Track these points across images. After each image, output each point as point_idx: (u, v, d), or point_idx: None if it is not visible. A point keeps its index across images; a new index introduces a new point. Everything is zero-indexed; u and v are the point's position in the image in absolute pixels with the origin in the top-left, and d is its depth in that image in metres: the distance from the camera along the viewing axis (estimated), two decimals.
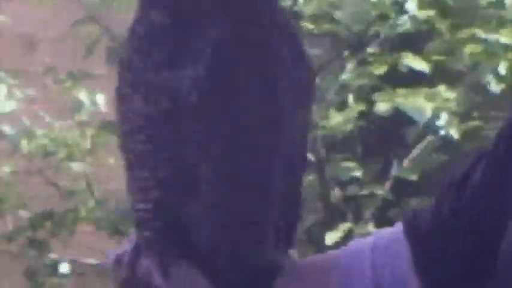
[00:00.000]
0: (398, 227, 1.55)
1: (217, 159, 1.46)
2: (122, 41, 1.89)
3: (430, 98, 4.11)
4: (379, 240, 1.58)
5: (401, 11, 4.15)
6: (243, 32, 1.48)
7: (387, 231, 1.60)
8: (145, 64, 1.48)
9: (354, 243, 1.61)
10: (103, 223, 4.57)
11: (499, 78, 4.13)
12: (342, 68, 4.33)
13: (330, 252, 1.67)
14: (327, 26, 4.27)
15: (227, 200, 1.47)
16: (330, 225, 4.22)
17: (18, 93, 4.71)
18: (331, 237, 4.05)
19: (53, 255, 4.64)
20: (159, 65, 1.48)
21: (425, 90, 4.10)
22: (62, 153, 4.64)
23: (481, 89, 4.21)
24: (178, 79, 1.45)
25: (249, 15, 1.50)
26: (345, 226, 4.13)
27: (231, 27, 1.47)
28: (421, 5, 4.17)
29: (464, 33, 4.16)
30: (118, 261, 1.53)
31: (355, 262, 1.56)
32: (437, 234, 1.52)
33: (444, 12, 4.22)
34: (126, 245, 1.56)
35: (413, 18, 4.15)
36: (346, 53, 4.38)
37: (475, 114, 4.27)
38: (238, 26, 1.48)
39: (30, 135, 4.62)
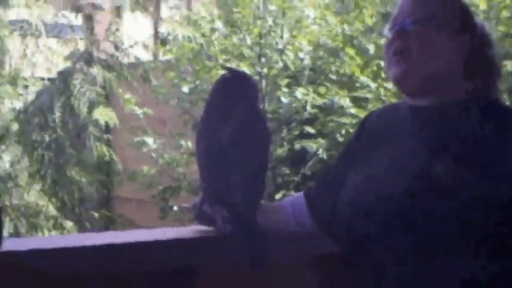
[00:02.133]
0: (302, 192, 1.68)
1: (236, 165, 1.58)
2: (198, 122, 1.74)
3: (315, 142, 4.95)
4: (295, 198, 1.70)
5: (305, 108, 4.99)
6: (246, 127, 1.62)
7: (299, 194, 1.70)
8: (204, 131, 1.66)
9: (286, 199, 1.74)
10: (190, 191, 5.46)
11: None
12: (282, 130, 5.20)
13: (278, 202, 1.81)
14: (276, 115, 5.18)
15: (242, 181, 1.57)
16: (276, 192, 4.96)
17: (158, 141, 5.56)
18: (277, 197, 4.80)
19: (170, 203, 5.57)
20: (209, 132, 1.64)
21: (314, 140, 4.97)
22: (174, 163, 5.49)
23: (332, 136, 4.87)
24: (218, 138, 1.60)
25: (248, 117, 1.65)
26: (283, 192, 4.94)
27: (240, 123, 1.62)
28: (313, 107, 4.95)
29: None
30: (195, 205, 1.71)
31: (287, 208, 1.67)
32: (317, 195, 1.64)
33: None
34: (197, 199, 1.71)
35: (311, 112, 4.97)
36: (283, 125, 5.20)
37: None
38: (243, 122, 1.62)
39: (161, 157, 5.56)
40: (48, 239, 2.76)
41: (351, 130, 4.63)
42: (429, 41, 1.45)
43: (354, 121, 4.72)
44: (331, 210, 1.53)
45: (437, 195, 1.37)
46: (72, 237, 2.95)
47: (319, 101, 4.96)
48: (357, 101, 5.00)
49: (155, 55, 7.04)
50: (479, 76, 1.49)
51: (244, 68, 4.95)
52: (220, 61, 5.14)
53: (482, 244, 1.34)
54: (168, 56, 5.86)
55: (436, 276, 1.35)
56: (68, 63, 6.58)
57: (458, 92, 1.47)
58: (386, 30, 1.53)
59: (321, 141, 4.96)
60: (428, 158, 1.40)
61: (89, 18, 6.50)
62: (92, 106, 6.29)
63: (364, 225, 1.42)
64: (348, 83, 5.13)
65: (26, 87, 6.56)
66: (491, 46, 1.52)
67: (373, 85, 4.96)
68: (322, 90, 5.01)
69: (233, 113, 1.62)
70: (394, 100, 4.77)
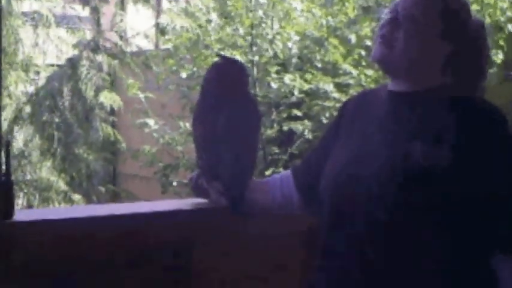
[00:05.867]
0: (290, 169, 1.69)
1: (228, 146, 1.59)
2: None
3: (302, 124, 4.87)
4: (283, 174, 1.70)
5: (292, 93, 4.90)
6: (237, 111, 1.62)
7: (287, 171, 1.71)
8: (200, 114, 1.65)
9: (275, 175, 1.75)
10: (188, 167, 5.30)
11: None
12: (271, 113, 5.08)
13: (267, 178, 1.75)
14: (267, 99, 5.07)
15: (234, 160, 1.58)
16: (266, 169, 4.88)
17: (158, 123, 5.38)
18: (267, 173, 4.69)
19: (170, 179, 5.46)
20: (204, 116, 1.63)
21: (301, 122, 4.86)
22: (174, 143, 5.40)
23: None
24: (214, 119, 1.59)
25: (239, 100, 1.63)
26: (272, 169, 4.87)
27: (232, 106, 1.61)
28: (300, 92, 4.85)
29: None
30: (191, 179, 1.73)
31: (276, 182, 1.67)
32: (302, 173, 1.64)
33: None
34: (194, 174, 1.74)
35: (298, 97, 4.87)
36: (273, 108, 5.12)
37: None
38: (235, 105, 1.62)
39: (162, 137, 5.45)
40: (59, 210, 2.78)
41: (335, 113, 4.44)
42: (413, 38, 1.43)
43: (337, 105, 4.70)
44: (314, 186, 1.51)
45: (408, 174, 1.34)
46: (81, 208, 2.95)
47: (306, 87, 4.93)
48: (340, 87, 4.99)
49: (156, 44, 7.02)
50: (457, 74, 1.46)
51: (237, 56, 4.89)
52: (216, 50, 5.10)
53: (454, 221, 1.32)
54: (168, 45, 5.79)
55: (407, 253, 1.33)
56: (76, 51, 6.56)
57: (433, 83, 1.46)
58: (384, 13, 1.51)
59: (307, 123, 4.94)
60: (401, 139, 1.38)
61: (95, 10, 6.47)
62: (98, 90, 6.26)
63: (343, 199, 1.40)
64: (331, 70, 5.10)
65: (38, 73, 6.57)
66: (478, 51, 1.49)
67: (354, 72, 4.95)
68: (308, 76, 4.99)
69: (226, 96, 1.59)
70: (373, 86, 4.73)
